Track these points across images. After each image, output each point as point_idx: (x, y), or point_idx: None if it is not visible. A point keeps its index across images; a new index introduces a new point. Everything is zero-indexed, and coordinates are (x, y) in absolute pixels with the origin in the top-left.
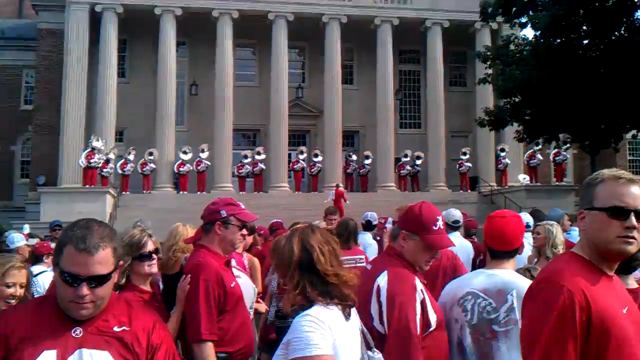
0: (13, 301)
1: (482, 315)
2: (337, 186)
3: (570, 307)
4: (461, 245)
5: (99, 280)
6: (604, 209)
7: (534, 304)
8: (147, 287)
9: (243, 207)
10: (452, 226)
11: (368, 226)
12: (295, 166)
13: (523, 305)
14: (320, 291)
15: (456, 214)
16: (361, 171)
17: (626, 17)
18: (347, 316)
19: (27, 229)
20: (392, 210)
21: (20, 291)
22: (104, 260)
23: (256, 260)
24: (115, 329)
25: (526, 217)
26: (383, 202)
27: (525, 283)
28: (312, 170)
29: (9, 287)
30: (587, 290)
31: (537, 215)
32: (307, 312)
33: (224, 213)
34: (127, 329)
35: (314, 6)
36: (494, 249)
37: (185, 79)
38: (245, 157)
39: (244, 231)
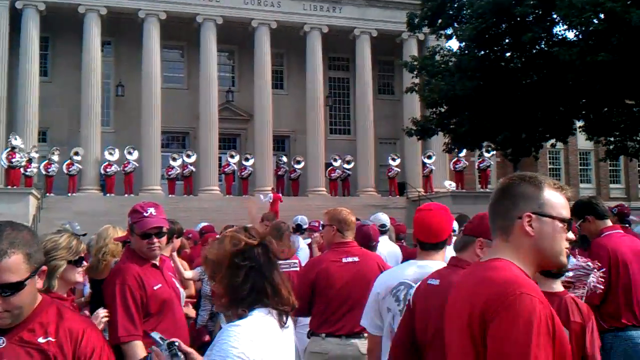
0: None
1: None
2: (273, 190)
3: (549, 317)
4: (390, 250)
5: (10, 288)
6: (561, 218)
7: (508, 316)
8: (65, 294)
9: (148, 213)
10: (379, 230)
11: (298, 229)
12: (226, 169)
13: (489, 318)
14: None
15: (383, 217)
16: (292, 175)
17: (546, 32)
18: (283, 324)
19: None
20: (323, 215)
21: None
22: (13, 267)
23: (186, 264)
24: (40, 340)
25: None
26: (314, 206)
27: None
28: (243, 173)
29: None
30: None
31: (462, 220)
32: (238, 321)
33: (129, 220)
34: (52, 339)
35: (243, 10)
36: (422, 241)
37: (111, 79)
38: (174, 159)
39: (154, 239)
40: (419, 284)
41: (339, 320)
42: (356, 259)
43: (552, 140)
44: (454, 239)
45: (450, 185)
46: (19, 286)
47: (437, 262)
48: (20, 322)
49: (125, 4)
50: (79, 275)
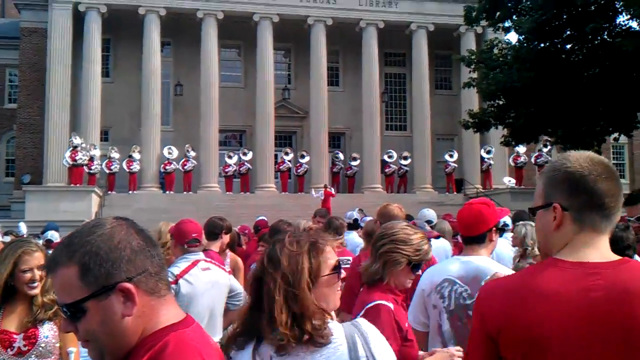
0: (35, 284)
1: (458, 301)
2: (325, 187)
3: None
4: (438, 246)
5: (68, 309)
6: None
7: None
8: None
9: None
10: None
11: (354, 225)
12: (281, 167)
13: None
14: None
15: (429, 214)
16: (348, 172)
17: (608, 23)
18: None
19: (23, 227)
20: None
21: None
22: (62, 283)
23: (239, 260)
24: None
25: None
26: (369, 203)
27: (498, 269)
28: (299, 170)
29: (25, 272)
30: None
31: (519, 215)
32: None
33: None
34: None
35: (299, 8)
36: (463, 235)
37: (170, 79)
38: (230, 157)
39: None
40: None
41: None
42: None
43: (615, 134)
44: (509, 234)
45: (509, 181)
46: (75, 309)
47: (481, 257)
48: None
49: (184, 4)
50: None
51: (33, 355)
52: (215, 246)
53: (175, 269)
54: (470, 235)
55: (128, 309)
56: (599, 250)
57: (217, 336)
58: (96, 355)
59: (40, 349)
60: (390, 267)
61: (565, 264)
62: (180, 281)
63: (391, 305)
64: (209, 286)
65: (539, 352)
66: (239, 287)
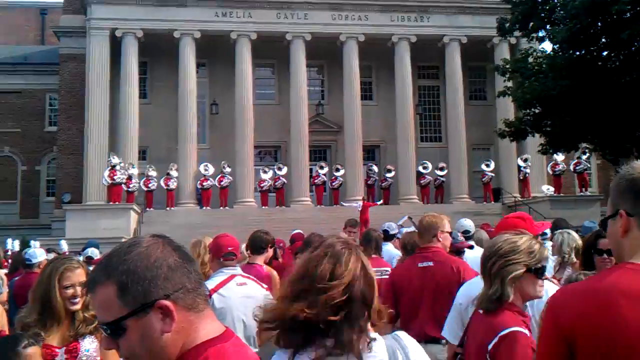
0: (77, 300)
1: None
2: (363, 199)
3: None
4: (476, 256)
5: (109, 327)
6: None
7: None
8: None
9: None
10: (464, 236)
11: (387, 236)
12: (316, 180)
13: None
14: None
15: (466, 224)
16: (383, 184)
17: None
18: None
19: (64, 245)
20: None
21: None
22: (102, 302)
23: (274, 273)
24: None
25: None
26: (405, 214)
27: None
28: (334, 184)
29: (67, 288)
30: None
31: (559, 224)
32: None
33: None
34: None
35: (331, 26)
36: None
37: (205, 99)
38: (265, 172)
39: None
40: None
41: (407, 323)
42: (430, 263)
43: None
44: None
45: (547, 189)
46: (115, 327)
47: None
48: None
49: (218, 26)
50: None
51: None
52: (261, 260)
53: (210, 283)
54: None
55: (167, 325)
56: None
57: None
58: None
59: None
60: (510, 282)
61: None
62: (214, 295)
63: (527, 332)
64: (244, 300)
65: (625, 352)
66: None
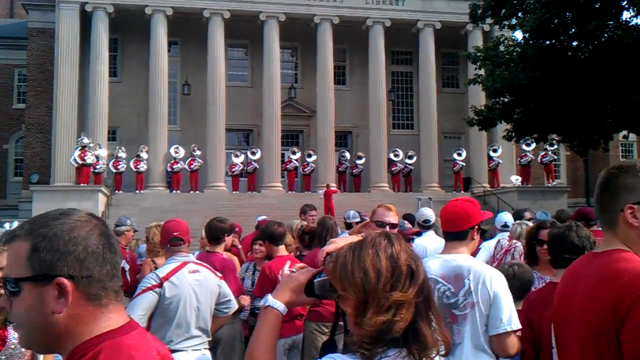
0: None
1: (441, 300)
2: (327, 186)
3: None
4: (436, 246)
5: (7, 284)
6: None
7: None
8: None
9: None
10: (423, 225)
11: (347, 224)
12: (288, 166)
13: (627, 314)
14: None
15: (427, 213)
16: (354, 171)
17: (613, 20)
18: None
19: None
20: None
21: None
22: (11, 256)
23: (235, 259)
24: None
25: (506, 217)
26: (375, 202)
27: (480, 267)
28: (305, 170)
29: None
30: None
31: (518, 215)
32: None
33: None
34: None
35: (305, 7)
36: (444, 231)
37: (177, 79)
38: (237, 156)
39: None
40: None
41: None
42: None
43: (624, 132)
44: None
45: (516, 180)
46: (14, 286)
47: (462, 255)
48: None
49: (190, 3)
50: None
51: (3, 357)
52: (220, 248)
53: (162, 271)
54: (453, 231)
55: (60, 305)
56: None
57: (205, 339)
58: (24, 344)
59: (10, 350)
60: None
61: None
62: (166, 284)
63: None
64: (197, 288)
65: None
66: (230, 293)
